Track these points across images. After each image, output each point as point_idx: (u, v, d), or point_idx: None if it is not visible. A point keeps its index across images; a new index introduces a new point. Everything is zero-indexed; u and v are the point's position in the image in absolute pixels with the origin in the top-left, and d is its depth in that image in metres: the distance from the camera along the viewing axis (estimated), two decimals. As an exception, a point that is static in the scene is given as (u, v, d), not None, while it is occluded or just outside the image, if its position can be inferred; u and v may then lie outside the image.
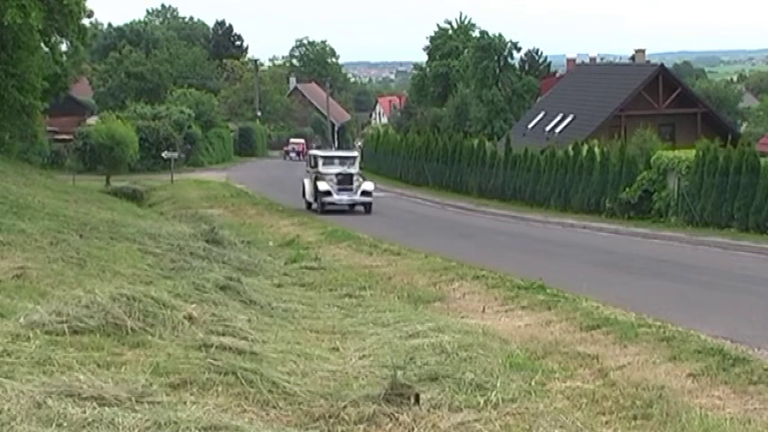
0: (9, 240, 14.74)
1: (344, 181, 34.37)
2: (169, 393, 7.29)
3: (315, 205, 34.39)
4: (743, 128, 76.87)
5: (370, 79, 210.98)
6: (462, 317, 12.63)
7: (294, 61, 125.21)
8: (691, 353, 10.14)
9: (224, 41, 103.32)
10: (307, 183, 35.74)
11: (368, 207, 34.57)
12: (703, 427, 7.53)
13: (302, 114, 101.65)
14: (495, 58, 75.68)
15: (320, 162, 35.02)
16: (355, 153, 37.21)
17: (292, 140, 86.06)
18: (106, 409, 6.62)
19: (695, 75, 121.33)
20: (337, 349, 9.90)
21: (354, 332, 10.88)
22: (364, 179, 35.48)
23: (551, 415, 7.63)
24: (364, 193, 34.76)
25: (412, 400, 7.64)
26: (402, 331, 10.53)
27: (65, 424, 6.32)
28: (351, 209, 34.45)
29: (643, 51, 59.92)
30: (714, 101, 75.54)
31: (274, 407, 7.45)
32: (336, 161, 35.51)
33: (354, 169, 35.08)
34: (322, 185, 34.07)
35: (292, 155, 79.91)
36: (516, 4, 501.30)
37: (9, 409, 6.37)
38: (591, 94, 52.12)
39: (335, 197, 34.10)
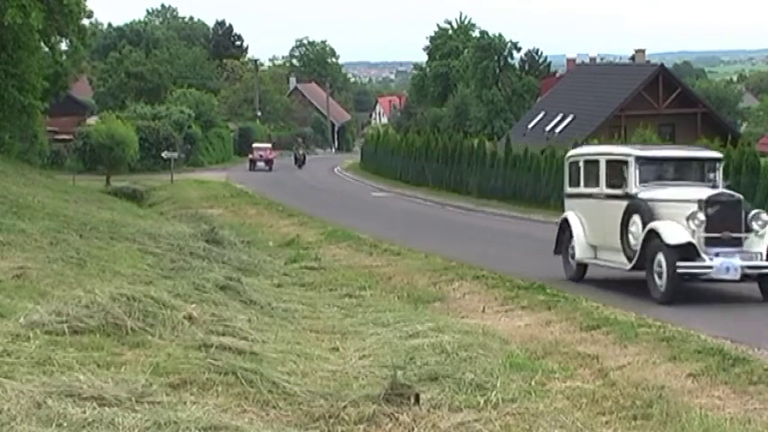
0: (9, 240, 14.75)
1: (727, 221, 14.24)
2: (169, 393, 7.30)
3: (606, 267, 15.75)
4: (743, 128, 76.89)
5: (370, 79, 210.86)
6: (462, 317, 12.63)
7: (294, 61, 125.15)
8: (691, 353, 10.15)
9: (224, 41, 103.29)
10: (578, 221, 16.45)
11: None
12: (703, 427, 7.54)
13: (302, 114, 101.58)
14: (495, 58, 75.88)
15: (636, 173, 15.06)
16: (718, 153, 16.56)
17: (256, 145, 65.63)
18: (106, 409, 6.63)
19: (695, 75, 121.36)
20: (337, 349, 9.91)
21: (354, 332, 10.88)
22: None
23: (551, 415, 7.64)
24: None
25: (412, 400, 7.65)
26: (402, 331, 10.54)
27: (65, 424, 6.33)
28: (704, 279, 14.43)
29: (643, 51, 60.07)
30: (714, 101, 75.55)
31: (274, 407, 7.45)
32: (677, 172, 15.63)
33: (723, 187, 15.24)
34: (668, 231, 14.05)
35: (260, 164, 61.22)
36: (516, 4, 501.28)
37: (9, 409, 6.38)
38: (591, 94, 52.13)
39: (708, 262, 13.97)
